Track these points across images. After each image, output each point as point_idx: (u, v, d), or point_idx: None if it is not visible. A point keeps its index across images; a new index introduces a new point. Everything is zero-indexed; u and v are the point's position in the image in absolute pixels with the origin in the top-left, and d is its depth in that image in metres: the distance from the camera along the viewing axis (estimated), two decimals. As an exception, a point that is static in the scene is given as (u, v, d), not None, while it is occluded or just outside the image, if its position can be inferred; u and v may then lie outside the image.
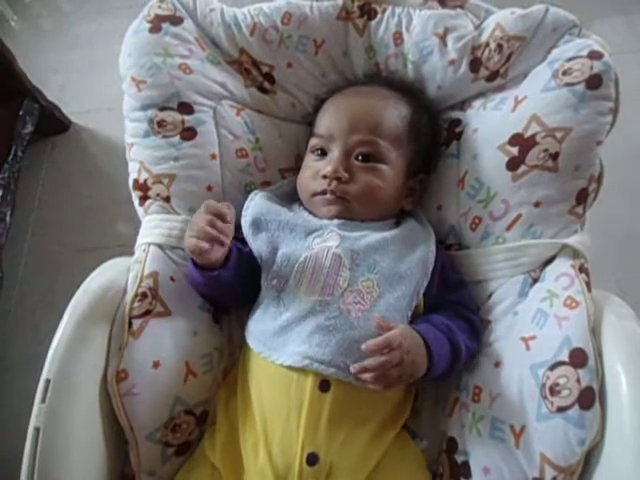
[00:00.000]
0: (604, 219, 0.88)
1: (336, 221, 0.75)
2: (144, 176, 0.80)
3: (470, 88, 0.83)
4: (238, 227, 0.77)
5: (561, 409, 0.58)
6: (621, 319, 0.63)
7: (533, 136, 0.72)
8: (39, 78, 1.33)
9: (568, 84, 0.71)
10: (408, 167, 0.80)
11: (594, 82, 0.70)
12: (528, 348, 0.65)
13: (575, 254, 0.70)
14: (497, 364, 0.69)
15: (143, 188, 0.80)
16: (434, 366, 0.65)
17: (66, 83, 1.50)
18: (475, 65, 0.81)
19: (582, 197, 0.71)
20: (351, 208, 0.76)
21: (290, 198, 0.84)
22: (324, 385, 0.65)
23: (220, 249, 0.68)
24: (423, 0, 0.85)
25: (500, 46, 0.78)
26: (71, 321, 0.65)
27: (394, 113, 0.80)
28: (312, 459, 0.63)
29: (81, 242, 1.23)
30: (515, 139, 0.74)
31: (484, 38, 0.80)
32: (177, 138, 0.80)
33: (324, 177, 0.76)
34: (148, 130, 0.80)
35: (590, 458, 0.58)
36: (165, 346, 0.70)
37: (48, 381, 0.61)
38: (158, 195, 0.79)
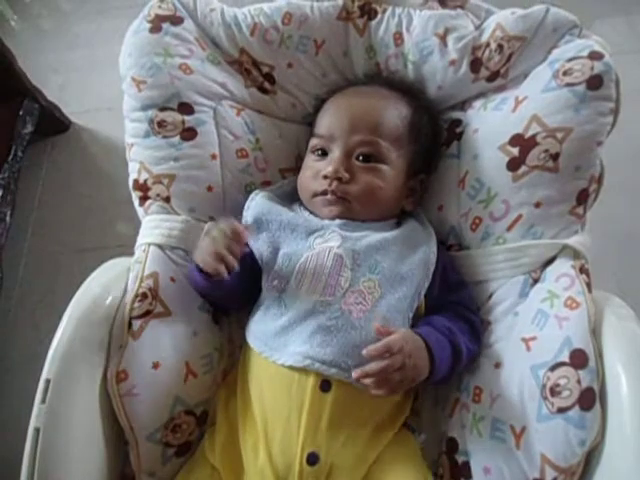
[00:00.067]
0: (605, 219, 0.88)
1: (337, 221, 0.75)
2: (144, 176, 0.80)
3: (470, 88, 0.83)
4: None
5: (562, 410, 0.58)
6: (621, 320, 0.63)
7: (534, 136, 0.72)
8: (39, 78, 1.33)
9: (569, 84, 0.71)
10: (409, 167, 0.80)
11: (595, 82, 0.70)
12: (528, 349, 0.65)
13: (576, 255, 0.70)
14: (497, 365, 0.69)
15: (143, 188, 0.80)
16: (436, 369, 0.65)
17: (66, 83, 1.50)
18: (475, 65, 0.81)
19: (582, 197, 0.71)
20: (352, 208, 0.76)
21: (291, 198, 0.84)
22: (325, 385, 0.65)
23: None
24: (423, 0, 0.85)
25: (501, 46, 0.78)
26: (71, 321, 0.65)
27: (394, 113, 0.80)
28: (312, 459, 0.63)
29: (81, 242, 1.23)
30: (516, 139, 0.74)
31: (484, 38, 0.80)
32: (177, 138, 0.80)
33: (325, 177, 0.76)
34: (148, 130, 0.80)
35: (590, 459, 0.58)
36: (165, 346, 0.70)
37: (48, 381, 0.61)
38: (158, 195, 0.79)
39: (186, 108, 0.82)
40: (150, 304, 0.71)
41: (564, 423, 0.58)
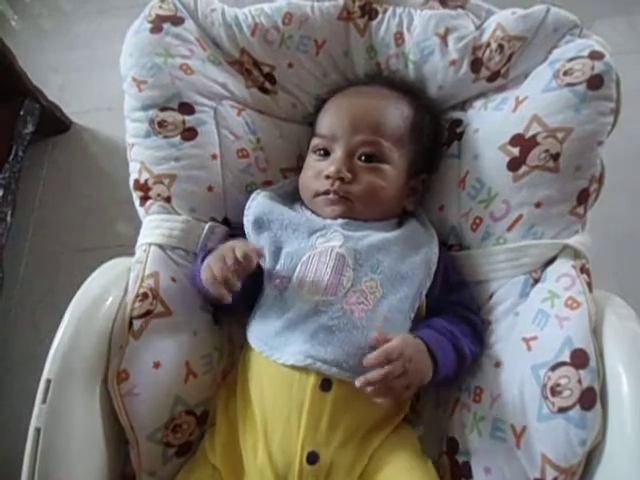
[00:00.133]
0: (605, 219, 0.88)
1: (340, 221, 0.76)
2: (145, 176, 0.80)
3: (471, 88, 0.83)
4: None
5: (562, 409, 0.58)
6: (622, 319, 0.63)
7: (534, 136, 0.72)
8: (39, 78, 1.33)
9: (569, 84, 0.71)
10: (410, 167, 0.80)
11: (595, 82, 0.70)
12: (529, 349, 0.65)
13: (576, 254, 0.70)
14: (498, 365, 0.69)
15: (144, 188, 0.80)
16: (439, 371, 0.65)
17: (66, 83, 1.50)
18: (476, 65, 0.81)
19: (583, 197, 0.71)
20: (354, 208, 0.76)
21: (292, 198, 0.84)
22: (325, 384, 0.65)
23: None
24: (424, 0, 0.85)
25: (501, 46, 0.78)
26: (72, 321, 0.65)
27: (396, 113, 0.80)
28: (312, 458, 0.63)
29: (81, 242, 1.23)
30: (516, 139, 0.73)
31: (485, 38, 0.80)
32: (178, 138, 0.80)
33: (327, 177, 0.76)
34: (149, 130, 0.80)
35: (591, 459, 0.58)
36: (166, 346, 0.70)
37: (49, 381, 0.61)
38: (159, 195, 0.79)
39: (187, 108, 0.82)
40: (151, 304, 0.71)
41: (565, 423, 0.58)
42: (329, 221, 0.76)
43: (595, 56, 0.71)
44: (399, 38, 0.86)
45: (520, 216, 0.73)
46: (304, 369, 0.65)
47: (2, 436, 1.01)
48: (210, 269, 0.68)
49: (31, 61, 1.36)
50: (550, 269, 0.70)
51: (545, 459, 0.59)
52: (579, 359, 0.59)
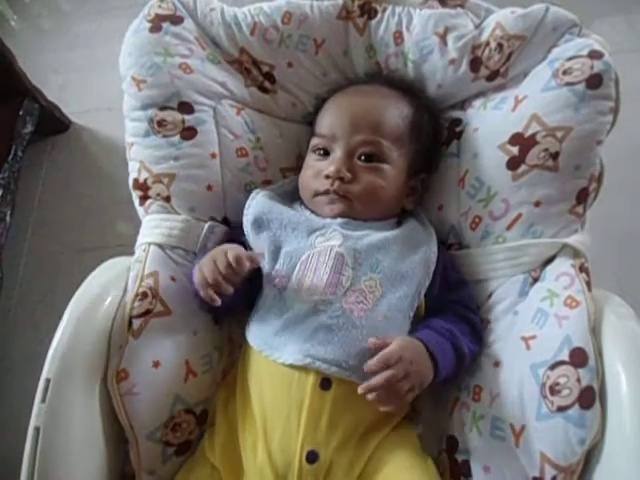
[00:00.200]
0: (604, 218, 0.88)
1: (339, 220, 0.76)
2: (144, 176, 0.80)
3: (470, 87, 0.83)
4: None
5: (561, 408, 0.58)
6: (621, 318, 0.63)
7: (533, 135, 0.72)
8: (39, 78, 1.33)
9: (568, 83, 0.71)
10: (409, 166, 0.80)
11: (594, 81, 0.70)
12: (528, 348, 0.65)
13: (575, 253, 0.70)
14: (497, 364, 0.69)
15: (143, 188, 0.80)
16: (440, 371, 0.65)
17: (66, 83, 1.50)
18: (475, 64, 0.81)
19: (582, 196, 0.71)
20: (353, 207, 0.76)
21: (291, 197, 0.84)
22: (325, 383, 0.65)
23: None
24: (423, -1, 0.85)
25: (500, 45, 0.78)
26: (71, 321, 0.65)
27: (395, 112, 0.80)
28: (312, 457, 0.63)
29: (81, 242, 1.23)
30: (515, 138, 0.74)
31: (484, 37, 0.80)
32: (177, 137, 0.80)
33: (327, 177, 0.76)
34: (148, 129, 0.80)
35: (590, 457, 0.58)
36: (165, 345, 0.70)
37: (48, 380, 0.61)
38: (158, 195, 0.79)
39: (186, 107, 0.82)
40: (150, 303, 0.71)
41: (564, 422, 0.58)
42: (328, 220, 0.76)
43: (594, 55, 0.71)
44: (398, 37, 0.86)
45: (519, 215, 0.73)
46: (303, 368, 0.65)
47: (2, 436, 1.01)
48: (201, 271, 0.68)
49: (31, 61, 1.36)
50: (549, 268, 0.70)
51: (544, 458, 0.59)
52: (578, 358, 0.59)
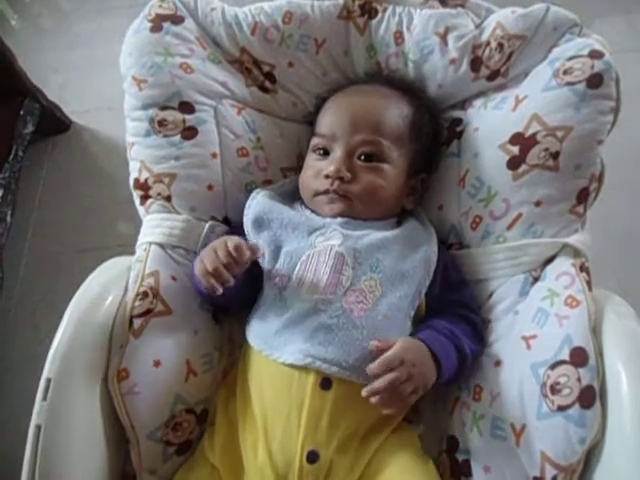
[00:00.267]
0: (605, 218, 0.88)
1: (339, 219, 0.76)
2: (145, 175, 0.80)
3: (471, 87, 0.83)
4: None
5: (562, 408, 0.58)
6: (622, 318, 0.63)
7: (534, 135, 0.72)
8: (39, 77, 1.33)
9: (569, 83, 0.71)
10: (410, 166, 0.80)
11: (595, 81, 0.70)
12: (529, 347, 0.65)
13: (576, 253, 0.70)
14: (498, 363, 0.69)
15: (144, 187, 0.80)
16: (442, 372, 0.65)
17: (66, 82, 1.50)
18: (476, 64, 0.81)
19: (583, 196, 0.71)
20: (353, 207, 0.76)
21: (292, 197, 0.84)
22: (325, 383, 0.65)
23: None
24: (424, -1, 0.85)
25: (501, 45, 0.78)
26: (72, 321, 0.65)
27: (396, 112, 0.80)
28: (312, 457, 0.63)
29: (82, 242, 1.23)
30: (516, 138, 0.74)
31: (485, 37, 0.80)
32: (178, 137, 0.80)
33: (327, 177, 0.76)
34: (149, 129, 0.81)
35: (591, 457, 0.58)
36: (166, 345, 0.71)
37: (49, 380, 0.61)
38: (159, 194, 0.79)
39: (187, 107, 0.82)
40: (151, 303, 0.71)
41: (564, 421, 0.58)
42: (328, 220, 0.76)
43: (595, 55, 0.71)
44: (399, 37, 0.86)
45: (520, 215, 0.73)
46: (304, 368, 0.65)
47: (2, 436, 1.01)
48: (202, 261, 0.68)
49: (31, 60, 1.36)
50: (550, 268, 0.70)
51: (545, 457, 0.59)
52: (578, 357, 0.59)
